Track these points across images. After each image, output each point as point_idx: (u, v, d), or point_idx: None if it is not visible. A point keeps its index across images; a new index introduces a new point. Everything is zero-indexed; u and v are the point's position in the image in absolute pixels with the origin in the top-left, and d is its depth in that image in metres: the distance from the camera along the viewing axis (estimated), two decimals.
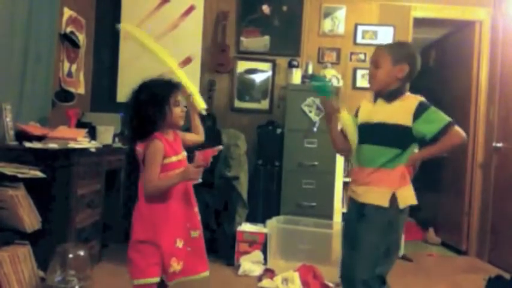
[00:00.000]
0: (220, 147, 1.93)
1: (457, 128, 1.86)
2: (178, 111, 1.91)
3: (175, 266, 1.80)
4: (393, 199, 1.87)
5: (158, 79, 1.93)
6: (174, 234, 1.82)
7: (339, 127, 2.11)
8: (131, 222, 1.87)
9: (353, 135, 2.04)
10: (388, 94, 1.96)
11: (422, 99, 1.93)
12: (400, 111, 1.91)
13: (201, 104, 2.06)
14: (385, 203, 1.86)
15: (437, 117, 1.87)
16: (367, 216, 1.92)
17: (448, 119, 1.86)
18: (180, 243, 1.83)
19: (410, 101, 1.92)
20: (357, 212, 1.98)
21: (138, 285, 1.81)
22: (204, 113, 2.09)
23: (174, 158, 1.88)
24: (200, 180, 1.89)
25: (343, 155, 2.09)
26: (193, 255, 1.88)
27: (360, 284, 1.85)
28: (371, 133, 1.97)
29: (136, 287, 1.81)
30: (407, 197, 1.88)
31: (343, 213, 2.34)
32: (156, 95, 1.86)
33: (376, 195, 1.90)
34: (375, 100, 2.02)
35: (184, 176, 1.82)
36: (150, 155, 1.81)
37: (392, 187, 1.87)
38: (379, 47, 2.03)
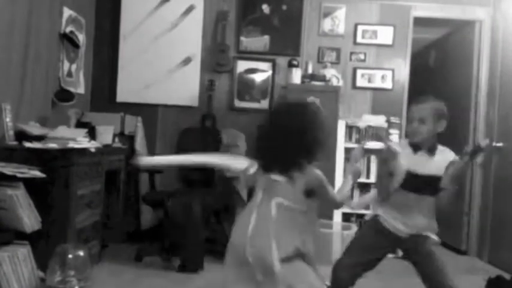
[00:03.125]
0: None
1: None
2: None
3: None
4: None
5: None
6: None
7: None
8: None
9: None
10: (430, 147, 2.20)
11: (454, 155, 2.19)
12: (442, 164, 2.15)
13: None
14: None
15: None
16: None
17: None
18: None
19: (448, 154, 2.20)
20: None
21: None
22: None
23: None
24: None
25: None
26: None
27: None
28: (416, 183, 2.16)
29: None
30: None
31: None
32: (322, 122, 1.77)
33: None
34: (415, 151, 2.22)
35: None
36: (322, 177, 1.78)
37: None
38: (423, 105, 2.22)
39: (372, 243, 2.24)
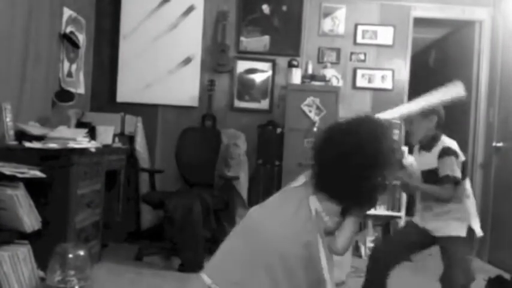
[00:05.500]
0: None
1: (450, 186, 2.23)
2: None
3: None
4: None
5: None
6: None
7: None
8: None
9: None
10: (427, 144, 2.37)
11: (448, 145, 2.30)
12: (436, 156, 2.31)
13: None
14: None
15: (446, 166, 2.24)
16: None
17: (450, 173, 2.22)
18: None
19: (440, 146, 2.32)
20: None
21: None
22: None
23: None
24: None
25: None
26: None
27: None
28: (424, 179, 2.41)
29: None
30: None
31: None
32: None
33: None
34: (419, 150, 2.45)
35: None
36: (357, 218, 1.61)
37: None
38: None
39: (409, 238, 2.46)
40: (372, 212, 4.14)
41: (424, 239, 2.40)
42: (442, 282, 2.27)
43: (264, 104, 4.39)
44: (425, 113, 2.30)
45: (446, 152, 2.27)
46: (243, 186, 3.76)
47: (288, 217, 1.54)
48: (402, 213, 4.11)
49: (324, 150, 1.55)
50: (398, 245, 2.44)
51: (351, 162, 1.47)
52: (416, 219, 2.47)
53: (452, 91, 2.20)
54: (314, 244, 1.51)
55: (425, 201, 2.38)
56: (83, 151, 2.91)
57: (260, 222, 1.57)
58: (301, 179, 1.65)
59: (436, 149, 2.31)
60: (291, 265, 1.48)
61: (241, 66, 4.39)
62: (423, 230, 2.38)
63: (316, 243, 1.51)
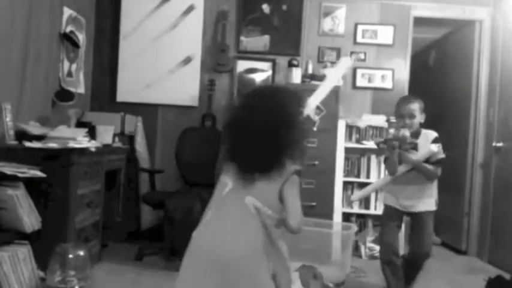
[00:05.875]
0: None
1: (440, 167, 2.74)
2: None
3: None
4: None
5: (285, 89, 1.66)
6: None
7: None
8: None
9: None
10: (415, 134, 2.75)
11: (435, 133, 2.76)
12: (423, 144, 2.74)
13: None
14: None
15: (440, 150, 2.71)
16: None
17: (443, 156, 2.71)
18: None
19: (430, 133, 2.77)
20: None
21: None
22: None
23: None
24: None
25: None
26: None
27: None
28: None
29: None
30: None
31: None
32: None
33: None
34: None
35: None
36: (295, 187, 1.57)
37: None
38: (412, 103, 2.77)
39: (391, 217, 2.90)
40: (371, 211, 4.16)
41: (401, 216, 2.90)
42: (412, 245, 2.87)
43: None
44: (423, 110, 2.77)
45: (438, 139, 2.73)
46: None
47: (237, 234, 1.51)
48: None
49: (249, 121, 1.54)
50: (394, 232, 2.88)
51: (278, 130, 1.51)
52: (392, 200, 2.88)
53: (344, 64, 2.61)
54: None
55: (408, 183, 2.76)
56: (83, 151, 2.91)
57: (213, 251, 1.50)
58: (226, 185, 1.63)
59: (422, 139, 2.74)
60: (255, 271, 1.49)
61: (241, 65, 4.39)
62: (399, 210, 2.85)
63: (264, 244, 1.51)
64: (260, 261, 1.49)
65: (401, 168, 2.74)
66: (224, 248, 1.48)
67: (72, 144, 2.83)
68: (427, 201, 2.81)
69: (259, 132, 1.52)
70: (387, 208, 2.96)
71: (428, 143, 2.71)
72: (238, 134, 1.57)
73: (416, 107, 2.76)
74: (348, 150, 4.13)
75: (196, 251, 1.54)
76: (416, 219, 2.85)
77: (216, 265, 1.47)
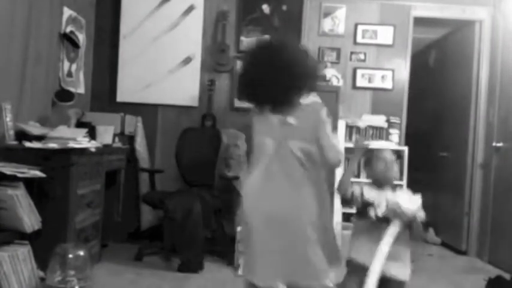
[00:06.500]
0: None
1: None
2: None
3: None
4: None
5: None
6: None
7: None
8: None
9: None
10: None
11: None
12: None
13: None
14: None
15: None
16: None
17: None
18: None
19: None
20: None
21: None
22: None
23: None
24: None
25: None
26: None
27: None
28: None
29: None
30: None
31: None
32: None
33: None
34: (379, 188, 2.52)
35: None
36: (327, 125, 1.85)
37: None
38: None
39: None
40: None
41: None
42: None
43: None
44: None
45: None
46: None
47: (293, 197, 1.80)
48: None
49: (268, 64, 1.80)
50: None
51: (294, 66, 1.80)
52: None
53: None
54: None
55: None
56: (83, 151, 2.91)
57: (278, 213, 1.76)
58: (264, 144, 1.87)
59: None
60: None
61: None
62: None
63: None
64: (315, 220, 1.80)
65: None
66: (284, 210, 1.77)
67: (72, 145, 2.83)
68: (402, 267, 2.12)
69: (279, 68, 1.76)
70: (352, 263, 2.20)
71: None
72: (262, 72, 1.80)
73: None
74: (348, 151, 4.13)
75: (259, 215, 1.79)
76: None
77: (279, 226, 1.74)
